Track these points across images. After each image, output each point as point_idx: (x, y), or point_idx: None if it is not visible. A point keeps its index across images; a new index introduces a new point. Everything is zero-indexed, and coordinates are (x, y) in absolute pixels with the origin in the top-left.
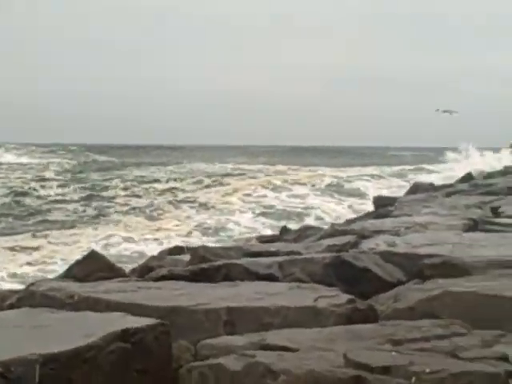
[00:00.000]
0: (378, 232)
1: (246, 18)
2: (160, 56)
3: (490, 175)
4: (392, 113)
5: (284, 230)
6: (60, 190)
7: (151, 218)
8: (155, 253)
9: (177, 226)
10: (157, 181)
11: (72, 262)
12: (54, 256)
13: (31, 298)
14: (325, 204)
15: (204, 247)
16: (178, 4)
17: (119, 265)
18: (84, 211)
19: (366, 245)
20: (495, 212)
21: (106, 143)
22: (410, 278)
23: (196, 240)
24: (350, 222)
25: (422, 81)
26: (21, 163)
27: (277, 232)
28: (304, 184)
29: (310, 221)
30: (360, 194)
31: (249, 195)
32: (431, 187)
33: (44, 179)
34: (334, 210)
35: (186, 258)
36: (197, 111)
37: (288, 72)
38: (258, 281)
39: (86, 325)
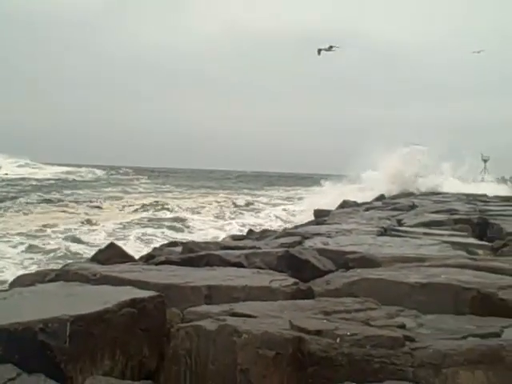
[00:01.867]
0: (316, 234)
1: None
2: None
3: (396, 196)
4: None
5: (250, 231)
6: None
7: None
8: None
9: None
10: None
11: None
12: None
13: (66, 274)
14: None
15: (192, 242)
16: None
17: None
18: None
19: (308, 243)
20: (399, 223)
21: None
22: (338, 268)
23: None
24: (297, 226)
25: None
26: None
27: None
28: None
29: None
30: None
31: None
32: (355, 204)
33: None
34: None
35: (179, 249)
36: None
37: None
38: (230, 267)
39: (105, 295)
